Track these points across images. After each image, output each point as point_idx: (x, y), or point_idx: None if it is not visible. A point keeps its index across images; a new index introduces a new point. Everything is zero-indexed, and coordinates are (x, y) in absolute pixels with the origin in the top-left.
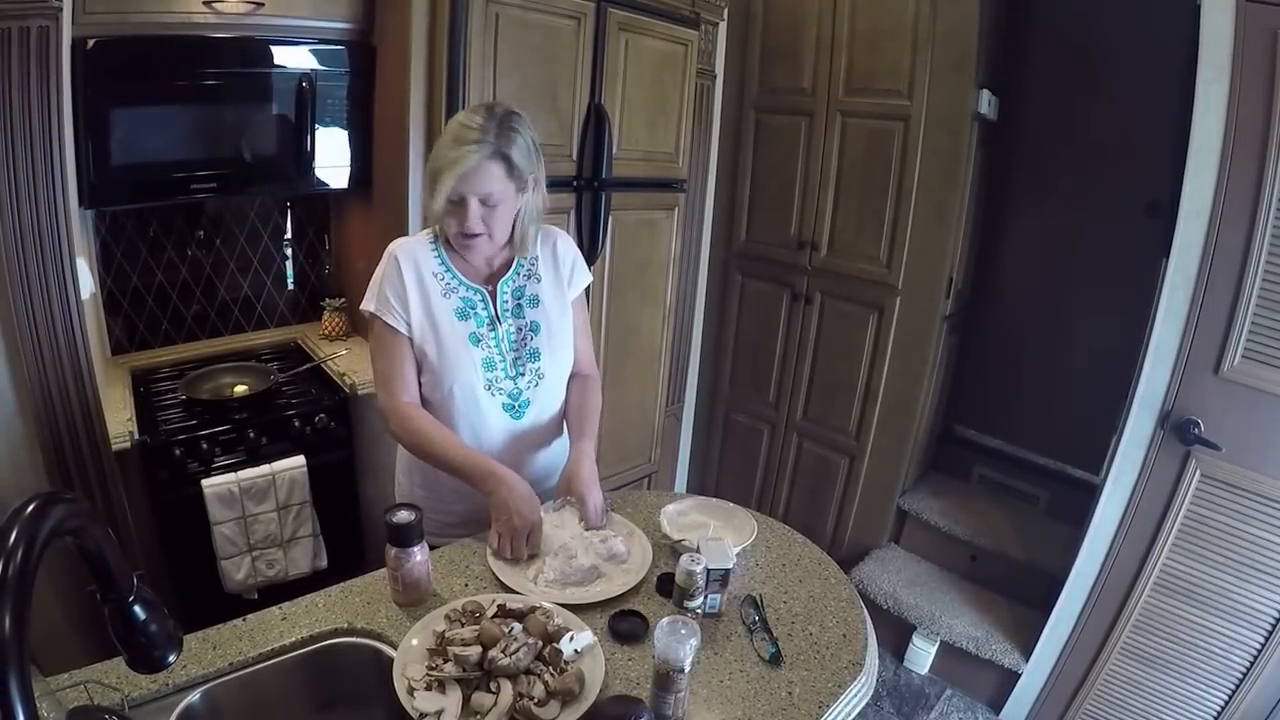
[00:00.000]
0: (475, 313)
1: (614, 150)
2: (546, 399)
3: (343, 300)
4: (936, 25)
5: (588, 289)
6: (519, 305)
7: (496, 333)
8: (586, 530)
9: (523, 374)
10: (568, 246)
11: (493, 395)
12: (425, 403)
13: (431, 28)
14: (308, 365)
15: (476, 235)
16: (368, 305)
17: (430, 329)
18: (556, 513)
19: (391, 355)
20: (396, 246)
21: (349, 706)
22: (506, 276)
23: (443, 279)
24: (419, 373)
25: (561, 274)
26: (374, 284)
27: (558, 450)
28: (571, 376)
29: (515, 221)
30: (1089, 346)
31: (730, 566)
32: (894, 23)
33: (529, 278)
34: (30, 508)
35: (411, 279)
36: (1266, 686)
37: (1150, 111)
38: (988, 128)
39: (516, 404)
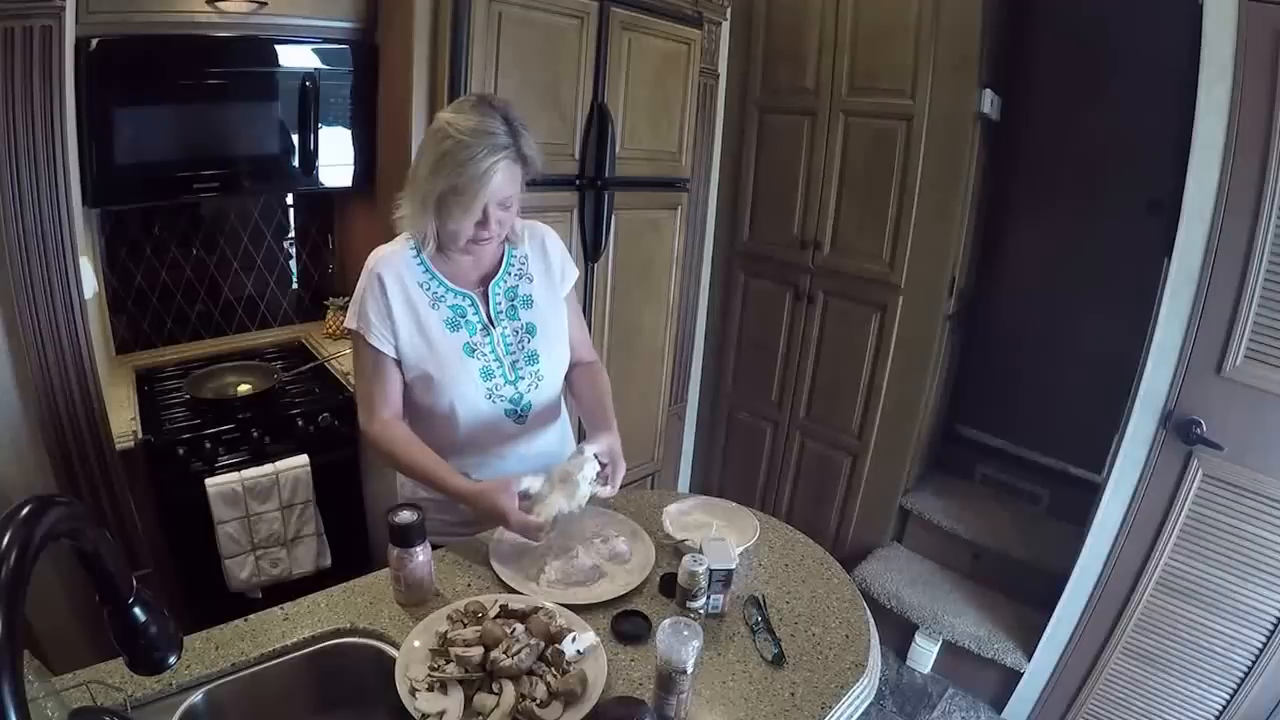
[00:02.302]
0: (466, 320)
1: (617, 149)
2: (547, 398)
3: (346, 299)
4: (939, 24)
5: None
6: (513, 307)
7: (491, 338)
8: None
9: (522, 378)
10: (555, 243)
11: (494, 403)
12: (429, 415)
13: (434, 27)
14: (311, 364)
15: (492, 238)
16: (350, 323)
17: (425, 345)
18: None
19: (372, 375)
20: (377, 261)
21: (351, 707)
22: (498, 277)
23: (429, 289)
24: (420, 391)
25: (553, 272)
26: (355, 300)
27: (555, 439)
28: (575, 364)
29: None
30: (1091, 346)
31: (733, 567)
32: (897, 22)
33: (520, 277)
34: (24, 511)
35: (397, 296)
36: (1268, 686)
37: (1153, 110)
38: (990, 127)
39: (519, 408)
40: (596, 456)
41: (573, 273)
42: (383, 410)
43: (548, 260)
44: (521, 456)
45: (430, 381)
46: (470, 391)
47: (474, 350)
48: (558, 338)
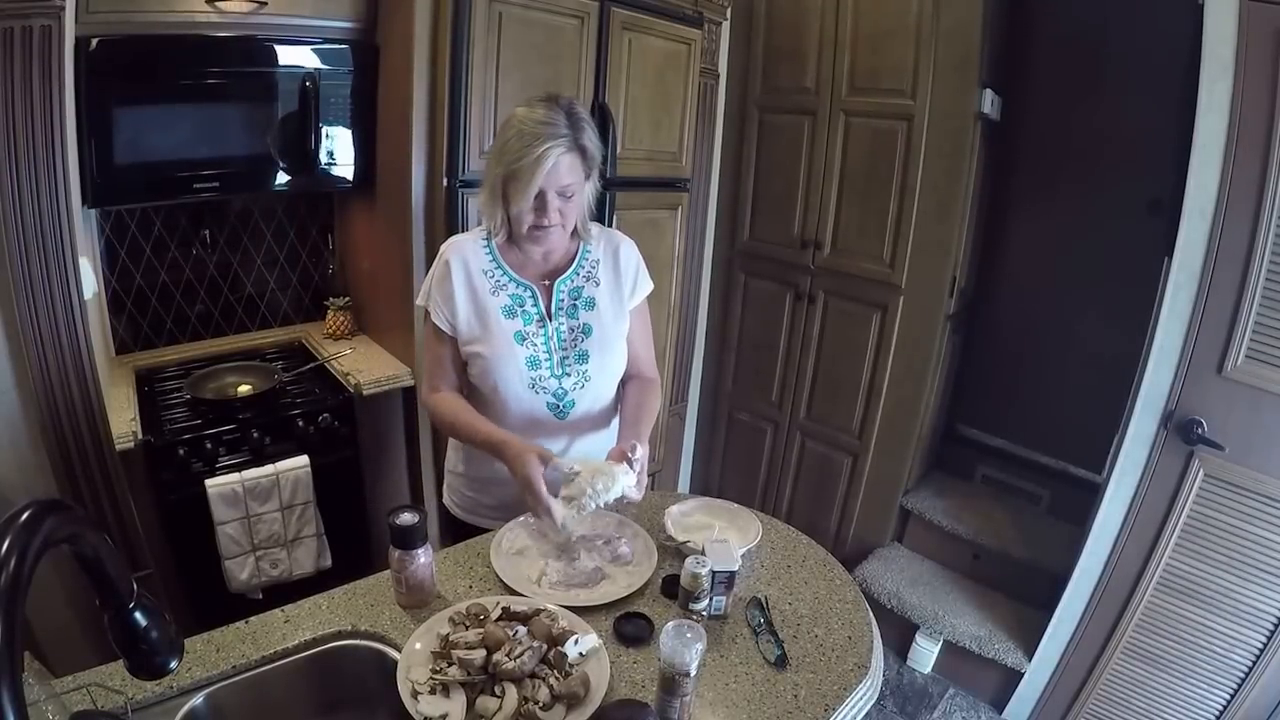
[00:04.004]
0: (524, 310)
1: (617, 149)
2: (592, 401)
3: (347, 299)
4: (939, 24)
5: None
6: (574, 306)
7: (545, 330)
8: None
9: (569, 374)
10: (631, 253)
11: (536, 393)
12: (478, 394)
13: (435, 27)
14: (312, 365)
15: (552, 226)
16: (419, 300)
17: (480, 327)
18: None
19: (434, 350)
20: (449, 247)
21: (353, 709)
22: (566, 275)
23: (492, 276)
24: (473, 369)
25: (622, 281)
26: (426, 280)
27: (599, 447)
28: (633, 378)
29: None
30: (1092, 346)
31: (735, 568)
32: (897, 22)
33: (588, 279)
34: (23, 517)
35: (460, 280)
36: (1269, 686)
37: (1153, 109)
38: (991, 127)
39: (561, 404)
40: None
41: (646, 286)
42: (440, 383)
43: (618, 269)
44: (561, 455)
45: (480, 361)
46: (514, 377)
47: (524, 339)
48: (612, 344)
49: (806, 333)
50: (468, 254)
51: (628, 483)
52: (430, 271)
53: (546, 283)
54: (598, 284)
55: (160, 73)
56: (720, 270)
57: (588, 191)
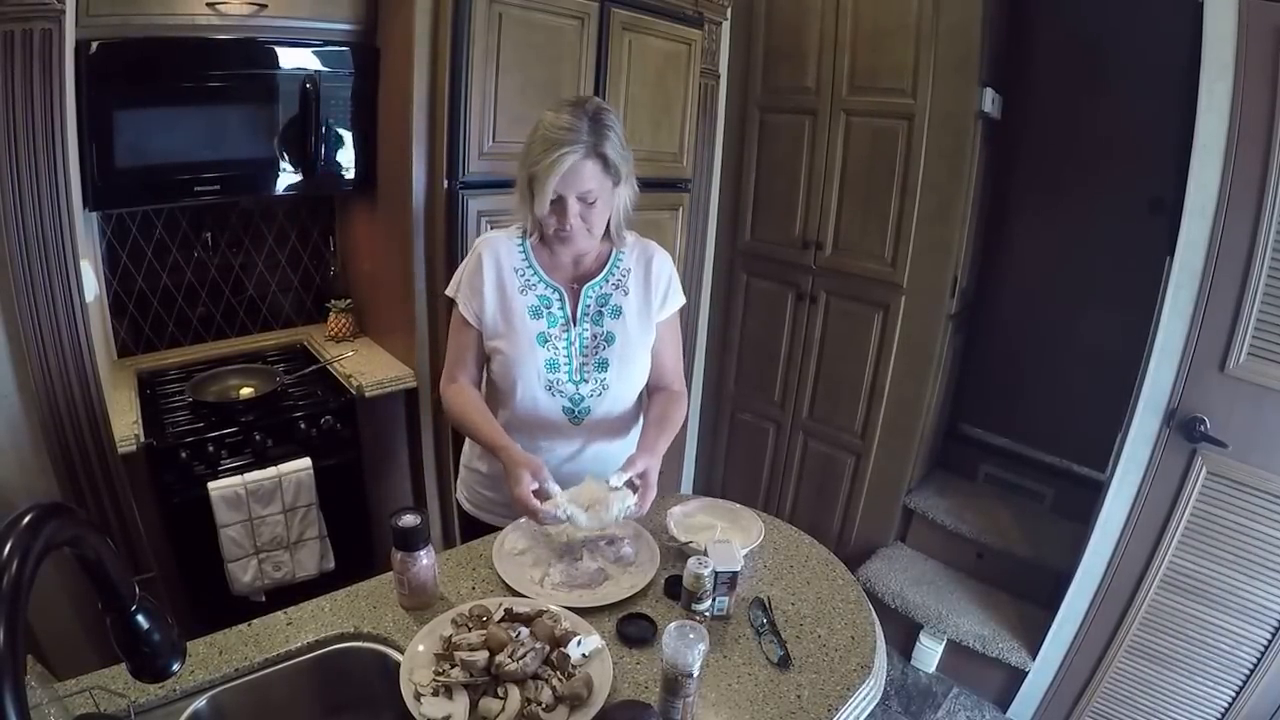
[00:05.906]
0: (549, 312)
1: None
2: (609, 410)
3: (348, 301)
4: (939, 23)
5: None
6: (600, 313)
7: (569, 334)
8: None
9: (586, 381)
10: (663, 265)
11: (553, 396)
12: (498, 390)
13: (435, 28)
14: (314, 367)
15: (574, 230)
16: (449, 290)
17: (505, 324)
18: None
19: (458, 341)
20: (483, 242)
21: (356, 711)
22: (595, 280)
23: (523, 275)
24: (494, 365)
25: (652, 293)
26: (458, 272)
27: (615, 453)
28: (659, 390)
29: (610, 214)
30: (1094, 344)
31: (738, 569)
32: (897, 21)
33: (617, 288)
34: (26, 520)
35: (490, 275)
36: (1273, 683)
37: (1154, 108)
38: (991, 126)
39: (577, 409)
40: (630, 482)
41: (676, 300)
42: (460, 374)
43: (649, 280)
44: (574, 458)
45: (501, 357)
46: (532, 378)
47: (547, 341)
48: (635, 355)
49: (808, 333)
50: (501, 251)
51: (628, 502)
52: (462, 264)
53: (575, 287)
54: (626, 293)
55: (161, 75)
56: (721, 271)
57: (623, 197)
